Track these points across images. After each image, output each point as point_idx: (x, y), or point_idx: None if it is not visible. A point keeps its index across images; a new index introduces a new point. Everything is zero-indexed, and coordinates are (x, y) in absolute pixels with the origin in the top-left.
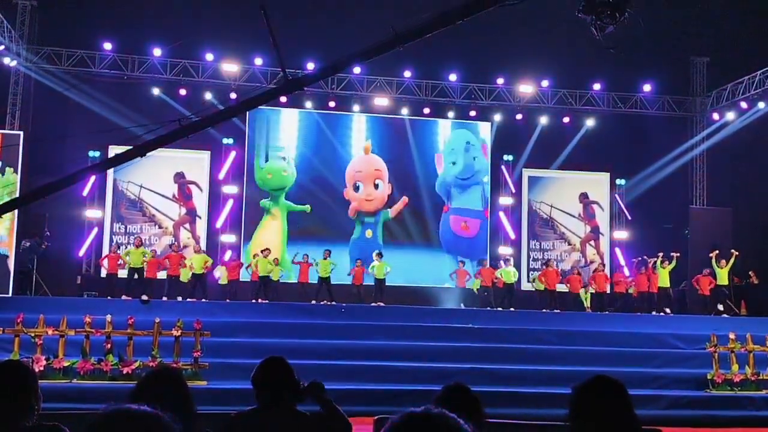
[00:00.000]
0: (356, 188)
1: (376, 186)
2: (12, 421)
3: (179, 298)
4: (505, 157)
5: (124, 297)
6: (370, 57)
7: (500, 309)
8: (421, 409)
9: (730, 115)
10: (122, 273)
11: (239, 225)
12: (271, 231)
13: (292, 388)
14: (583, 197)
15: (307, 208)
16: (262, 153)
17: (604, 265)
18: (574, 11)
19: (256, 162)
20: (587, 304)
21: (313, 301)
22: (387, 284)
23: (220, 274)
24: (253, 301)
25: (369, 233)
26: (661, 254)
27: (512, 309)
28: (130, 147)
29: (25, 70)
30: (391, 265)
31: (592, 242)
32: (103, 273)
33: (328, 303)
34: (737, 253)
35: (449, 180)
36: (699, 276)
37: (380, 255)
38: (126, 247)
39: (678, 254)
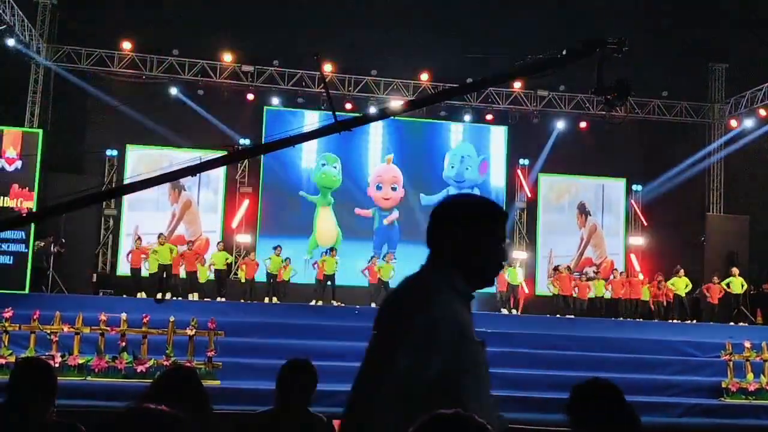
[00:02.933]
0: (378, 188)
1: (394, 189)
2: (36, 417)
3: (194, 297)
4: (521, 161)
5: (158, 296)
6: (418, 107)
7: (505, 312)
8: (451, 411)
9: (749, 123)
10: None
11: (254, 225)
12: (329, 223)
13: (311, 393)
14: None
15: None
16: (320, 159)
17: (620, 272)
18: (592, 18)
19: (316, 165)
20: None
21: (318, 302)
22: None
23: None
24: (266, 300)
25: (386, 221)
26: None
27: (517, 313)
28: (185, 166)
29: (45, 68)
30: (395, 269)
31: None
32: (126, 269)
33: (334, 303)
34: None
35: (448, 180)
36: (709, 284)
37: (391, 256)
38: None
39: None
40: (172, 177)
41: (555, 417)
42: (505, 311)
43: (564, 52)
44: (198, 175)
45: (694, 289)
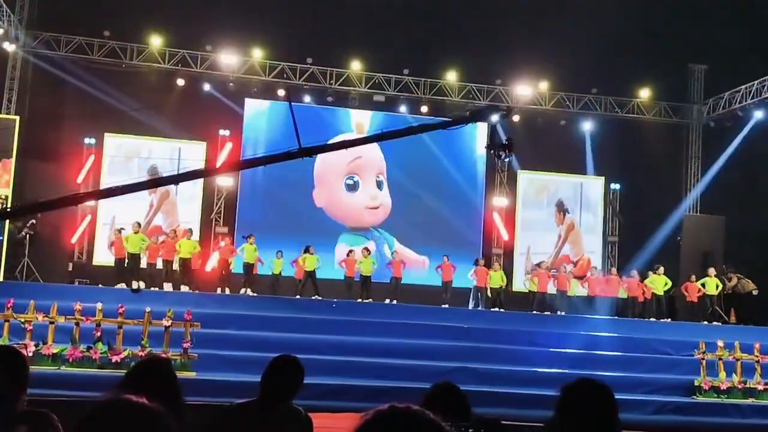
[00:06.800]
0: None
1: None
2: (7, 407)
3: (168, 286)
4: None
5: (134, 286)
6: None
7: (494, 309)
8: (404, 405)
9: (727, 124)
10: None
11: (233, 216)
12: None
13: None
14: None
15: None
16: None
17: (596, 269)
18: (575, 15)
19: None
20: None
21: (298, 296)
22: (377, 280)
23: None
24: (241, 291)
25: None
26: None
27: (502, 310)
28: (176, 173)
29: (23, 55)
30: (377, 262)
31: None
32: (103, 258)
33: (316, 298)
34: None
35: None
36: (687, 283)
37: (368, 251)
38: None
39: None
40: (160, 183)
41: (531, 413)
42: (495, 309)
43: (468, 114)
44: (177, 167)
45: (671, 288)
